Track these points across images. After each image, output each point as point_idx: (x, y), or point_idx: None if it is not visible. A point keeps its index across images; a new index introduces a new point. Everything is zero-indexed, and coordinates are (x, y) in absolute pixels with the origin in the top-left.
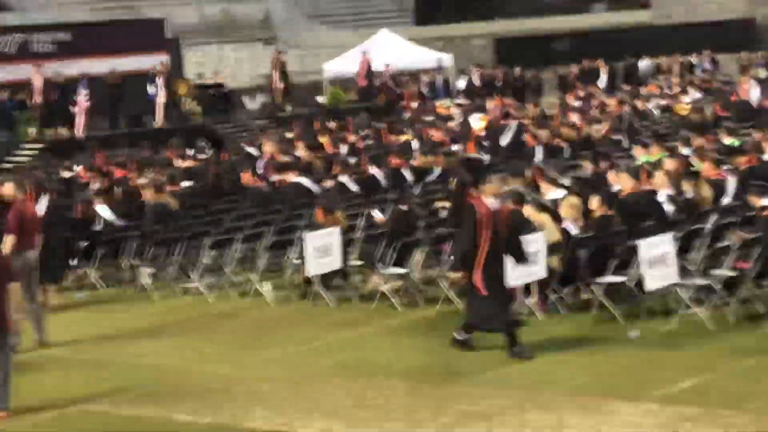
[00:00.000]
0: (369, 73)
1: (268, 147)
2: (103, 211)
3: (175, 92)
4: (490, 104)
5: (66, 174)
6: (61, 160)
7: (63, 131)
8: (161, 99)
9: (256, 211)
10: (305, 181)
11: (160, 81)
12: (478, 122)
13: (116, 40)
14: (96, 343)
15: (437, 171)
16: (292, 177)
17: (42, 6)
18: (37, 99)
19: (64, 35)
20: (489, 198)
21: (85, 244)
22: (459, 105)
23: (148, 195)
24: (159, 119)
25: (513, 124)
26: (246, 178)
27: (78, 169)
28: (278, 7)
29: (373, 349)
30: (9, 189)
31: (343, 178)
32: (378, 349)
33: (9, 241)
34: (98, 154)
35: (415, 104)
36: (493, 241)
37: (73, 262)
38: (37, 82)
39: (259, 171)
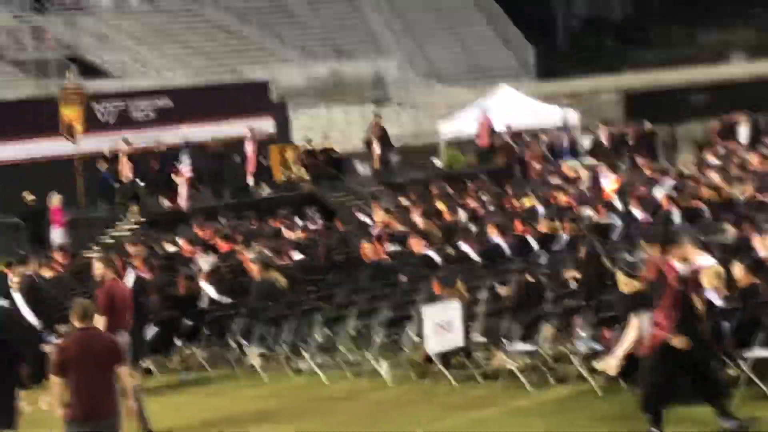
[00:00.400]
0: (491, 133)
1: (380, 215)
2: (208, 288)
3: (278, 158)
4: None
5: (169, 248)
6: (163, 234)
7: (165, 202)
8: (250, 167)
9: (371, 285)
10: (431, 253)
11: (249, 147)
12: (609, 184)
13: (219, 105)
14: (203, 429)
15: (565, 238)
16: (418, 247)
17: (141, 71)
18: (127, 175)
19: (165, 101)
20: (679, 261)
21: (191, 322)
22: (587, 165)
23: (255, 271)
24: (261, 189)
25: (668, 181)
26: (366, 250)
27: (181, 242)
28: (390, 66)
29: None
30: (99, 268)
31: (464, 247)
32: None
33: (100, 323)
34: (203, 227)
35: (538, 165)
36: (683, 309)
37: (179, 342)
38: (125, 159)
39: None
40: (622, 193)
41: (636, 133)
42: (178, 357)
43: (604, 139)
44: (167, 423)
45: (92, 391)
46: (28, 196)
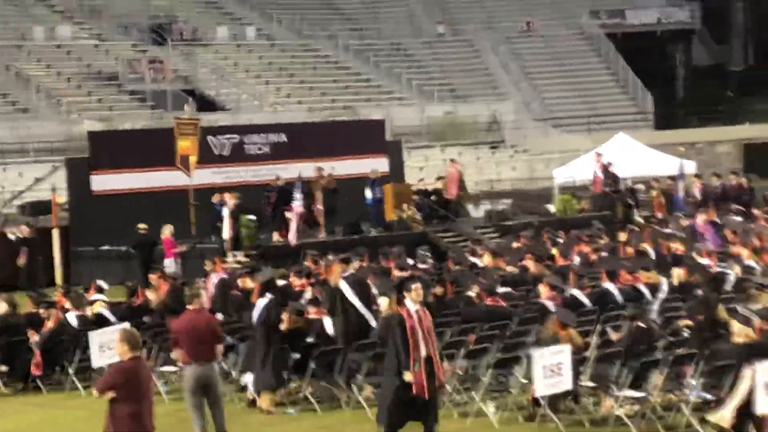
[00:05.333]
0: (607, 179)
1: (488, 259)
2: (327, 322)
3: (392, 198)
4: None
5: (279, 282)
6: (274, 268)
7: (275, 236)
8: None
9: (480, 326)
10: (549, 305)
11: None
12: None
13: (334, 143)
14: None
15: (665, 287)
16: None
17: (256, 107)
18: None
19: (279, 137)
20: None
21: (298, 356)
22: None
23: (384, 306)
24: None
25: None
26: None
27: (291, 276)
28: (506, 110)
29: None
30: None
31: (575, 292)
32: None
33: (179, 356)
34: (317, 261)
35: (659, 214)
36: None
37: (286, 375)
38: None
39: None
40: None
41: (734, 188)
42: (284, 391)
43: (696, 192)
44: None
45: None
46: (141, 226)
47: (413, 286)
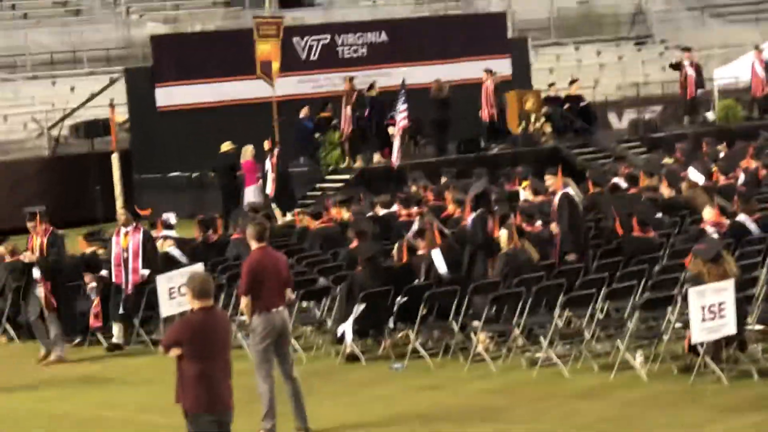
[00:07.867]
0: None
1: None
2: (438, 260)
3: (516, 107)
4: None
5: (381, 211)
6: (374, 194)
7: (376, 158)
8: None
9: (625, 260)
10: (711, 232)
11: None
12: None
13: (444, 42)
14: (420, 428)
15: None
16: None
17: (351, 1)
18: (347, 128)
19: (378, 36)
20: None
21: (405, 300)
22: None
23: (503, 240)
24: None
25: None
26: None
27: (396, 204)
28: None
29: None
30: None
31: (741, 217)
32: None
33: (244, 303)
34: (423, 186)
35: None
36: None
37: (391, 324)
38: (348, 108)
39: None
40: None
41: None
42: (389, 342)
43: None
44: (375, 419)
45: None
46: (225, 145)
47: None
